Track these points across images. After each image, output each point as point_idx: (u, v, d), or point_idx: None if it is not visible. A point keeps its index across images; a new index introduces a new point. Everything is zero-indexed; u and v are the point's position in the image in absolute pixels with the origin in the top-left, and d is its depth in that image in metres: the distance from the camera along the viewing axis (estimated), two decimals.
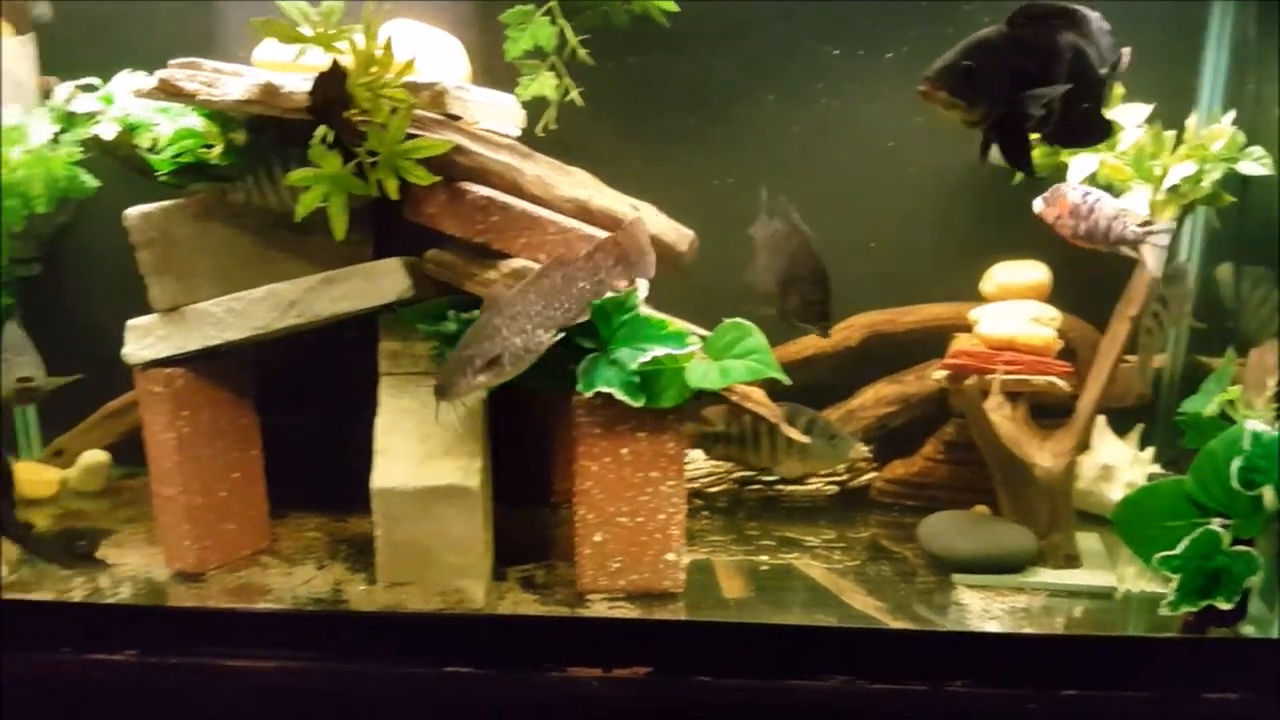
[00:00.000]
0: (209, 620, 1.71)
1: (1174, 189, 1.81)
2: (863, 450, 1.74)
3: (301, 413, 1.94)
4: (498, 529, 1.81)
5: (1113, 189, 1.86)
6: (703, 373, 1.65)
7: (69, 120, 1.87)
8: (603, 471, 1.69)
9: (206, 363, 1.78)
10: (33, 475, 2.14)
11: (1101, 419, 1.96)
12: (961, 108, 1.49)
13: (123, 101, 1.83)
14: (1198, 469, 1.58)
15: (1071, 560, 1.82)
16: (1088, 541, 1.88)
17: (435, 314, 1.72)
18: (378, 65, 1.55)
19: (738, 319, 1.70)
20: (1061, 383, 1.88)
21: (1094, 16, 1.50)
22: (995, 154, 1.73)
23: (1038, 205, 1.82)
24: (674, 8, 1.92)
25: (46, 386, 1.92)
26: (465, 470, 1.67)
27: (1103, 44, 1.52)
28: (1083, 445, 1.88)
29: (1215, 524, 1.56)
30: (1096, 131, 1.60)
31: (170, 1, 2.03)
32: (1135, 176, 1.83)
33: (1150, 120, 1.87)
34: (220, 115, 1.77)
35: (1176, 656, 1.61)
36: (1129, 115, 1.88)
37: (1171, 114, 1.88)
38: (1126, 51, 1.55)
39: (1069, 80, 1.49)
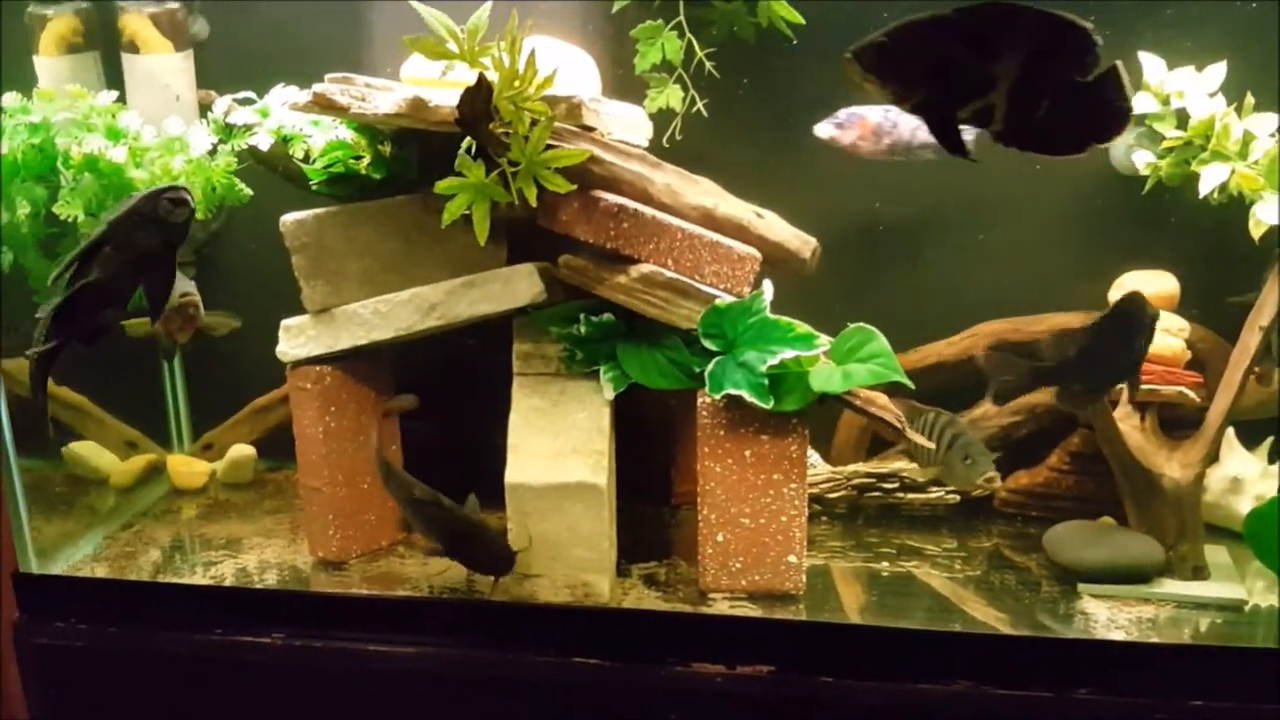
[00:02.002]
0: (351, 606, 1.80)
1: None
2: (993, 476, 1.73)
3: (436, 411, 2.01)
4: (621, 527, 1.86)
5: (1245, 199, 1.84)
6: (826, 376, 1.68)
7: (227, 132, 1.98)
8: (725, 473, 1.73)
9: (353, 362, 1.87)
10: (183, 467, 2.25)
11: (1230, 431, 1.93)
12: (875, 84, 1.47)
13: (278, 114, 1.93)
14: None
15: (1200, 572, 1.80)
16: (1216, 554, 1.86)
17: (567, 317, 1.78)
18: (520, 80, 1.61)
19: (862, 323, 1.72)
20: (1191, 393, 1.86)
21: (1079, 26, 1.42)
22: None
23: (826, 130, 1.88)
24: (799, 19, 1.95)
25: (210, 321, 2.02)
26: (593, 468, 1.73)
27: (1079, 53, 1.43)
28: (1212, 457, 1.86)
29: None
30: (1060, 140, 1.50)
31: (322, 18, 2.12)
32: (1267, 186, 1.81)
33: None
34: (369, 128, 1.86)
35: None
36: (1261, 124, 1.85)
37: None
38: (1118, 65, 1.46)
39: (1024, 81, 1.43)
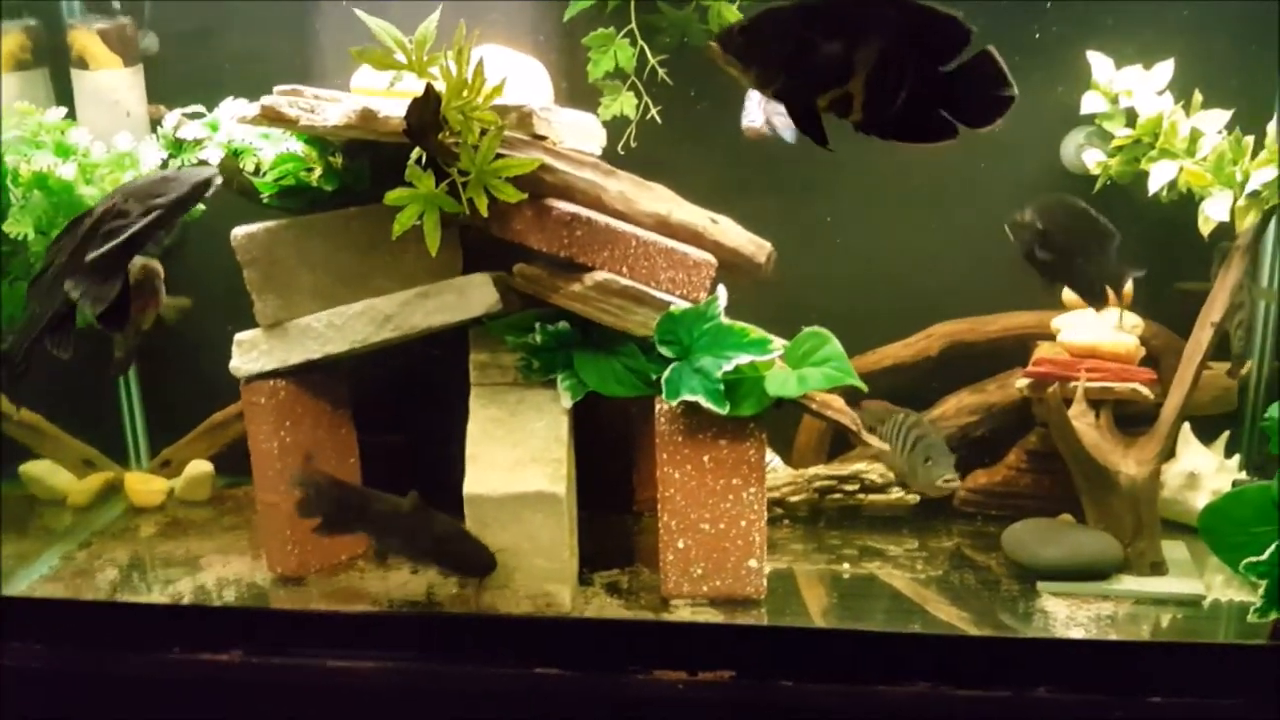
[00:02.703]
0: (310, 622, 1.78)
1: (1255, 194, 1.80)
2: (953, 479, 1.74)
3: (394, 423, 2.00)
4: (583, 535, 1.86)
5: (1194, 195, 1.86)
6: (781, 381, 1.68)
7: (177, 146, 1.96)
8: (684, 479, 1.73)
9: (307, 375, 1.85)
10: (141, 485, 2.23)
11: (1186, 426, 1.95)
12: (737, 68, 1.48)
13: (227, 128, 1.92)
14: None
15: (1157, 568, 1.81)
16: (1174, 549, 1.87)
17: (523, 326, 1.78)
18: (469, 90, 1.61)
19: (816, 327, 1.73)
20: (1145, 390, 1.87)
21: (942, 15, 1.43)
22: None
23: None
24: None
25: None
26: (552, 477, 1.72)
27: (945, 36, 1.44)
28: (1167, 453, 1.87)
29: None
30: (923, 129, 1.51)
31: (270, 31, 2.11)
32: (1216, 182, 1.83)
33: (1229, 126, 1.86)
34: (320, 140, 1.85)
35: (1265, 663, 1.59)
36: (1209, 121, 1.87)
37: (1251, 119, 1.87)
38: (992, 51, 1.47)
39: (881, 70, 1.45)
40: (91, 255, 1.68)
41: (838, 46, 1.45)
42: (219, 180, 1.77)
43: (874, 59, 1.45)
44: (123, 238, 1.69)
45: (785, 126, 1.92)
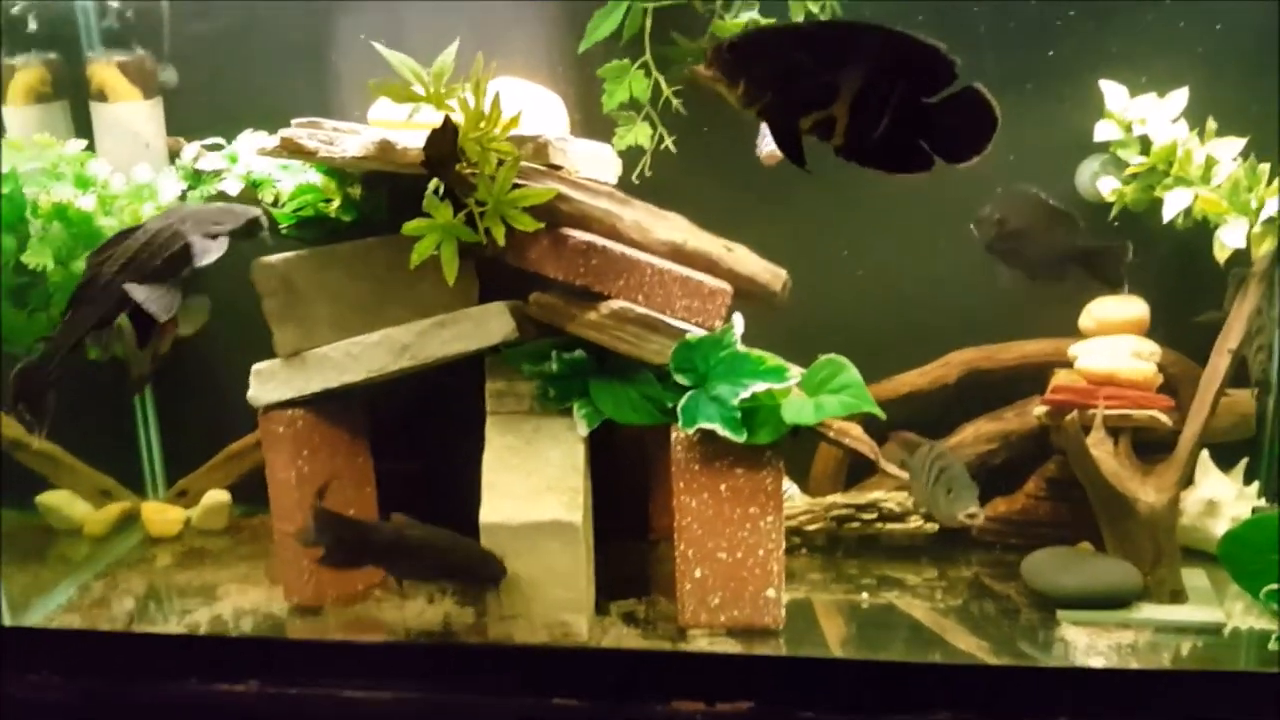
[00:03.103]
0: (326, 652, 1.78)
1: (1270, 221, 1.80)
2: (975, 513, 1.74)
3: (410, 452, 2.00)
4: (599, 564, 1.85)
5: (1209, 223, 1.86)
6: (798, 408, 1.68)
7: (196, 178, 1.98)
8: (701, 507, 1.73)
9: (326, 405, 1.86)
10: (158, 515, 2.23)
11: (1204, 453, 1.94)
12: (724, 85, 1.50)
13: (246, 159, 1.94)
14: None
15: (1177, 596, 1.80)
16: (1194, 577, 1.86)
17: (539, 354, 1.78)
18: (486, 121, 1.62)
19: (833, 355, 1.73)
20: (1163, 417, 1.87)
21: (927, 46, 1.44)
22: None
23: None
24: None
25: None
26: (569, 505, 1.72)
27: (928, 67, 1.45)
28: (1186, 480, 1.86)
29: None
30: (903, 159, 1.52)
31: (289, 64, 2.14)
32: (1231, 210, 1.83)
33: (1244, 153, 1.86)
34: (338, 171, 1.87)
35: None
36: (1223, 149, 1.87)
37: (1265, 146, 1.87)
38: (980, 88, 1.48)
39: (864, 96, 1.46)
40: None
41: (824, 69, 1.46)
42: (265, 223, 1.82)
43: (858, 85, 1.46)
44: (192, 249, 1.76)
45: None
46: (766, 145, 1.95)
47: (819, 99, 1.48)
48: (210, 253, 1.75)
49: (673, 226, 1.86)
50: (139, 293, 1.73)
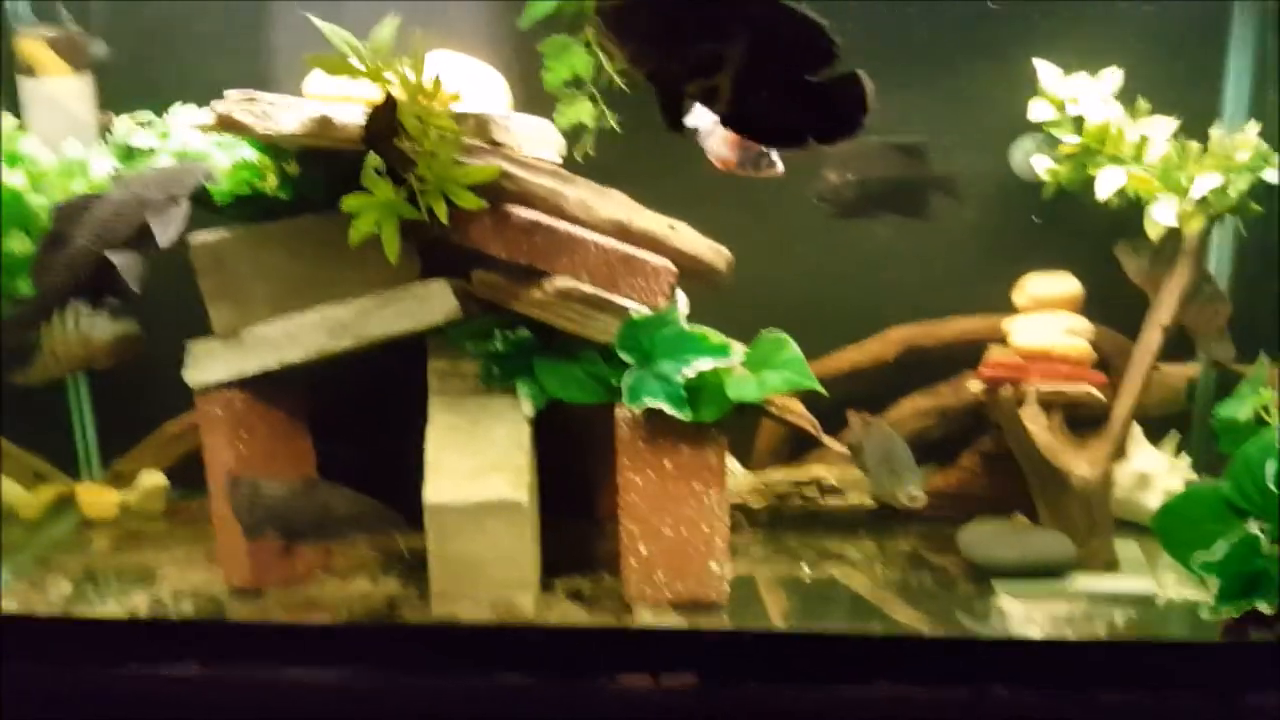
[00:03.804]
0: (268, 634, 1.77)
1: (1201, 200, 1.84)
2: (917, 496, 1.77)
3: (352, 433, 1.99)
4: (545, 542, 1.86)
5: (1141, 201, 1.90)
6: (742, 385, 1.70)
7: (128, 154, 1.94)
8: (646, 484, 1.74)
9: (264, 385, 1.83)
10: (93, 497, 2.20)
11: (1137, 427, 1.98)
12: (613, 44, 1.51)
13: (179, 135, 1.90)
14: (1234, 473, 1.60)
15: (1111, 566, 1.84)
16: (1126, 549, 1.91)
17: (483, 333, 1.78)
18: (426, 96, 1.61)
19: (775, 331, 1.74)
20: (1096, 392, 1.91)
21: (811, 23, 1.44)
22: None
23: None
24: None
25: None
26: (514, 484, 1.72)
27: (808, 45, 1.45)
28: (1119, 453, 1.91)
29: (1253, 527, 1.58)
30: (780, 133, 1.55)
31: (223, 38, 2.09)
32: (1162, 188, 1.87)
33: (1175, 133, 1.90)
34: (273, 147, 1.84)
35: (1219, 660, 1.63)
36: (1155, 128, 1.91)
37: (1195, 126, 1.91)
38: (861, 75, 1.49)
39: (747, 69, 1.47)
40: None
41: (711, 37, 1.46)
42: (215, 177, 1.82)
43: (743, 54, 1.46)
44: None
45: (754, 155, 1.84)
46: (713, 151, 1.88)
47: (704, 67, 1.48)
48: (174, 222, 1.75)
49: (616, 205, 1.86)
50: (119, 259, 1.73)
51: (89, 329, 1.91)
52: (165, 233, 1.74)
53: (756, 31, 1.45)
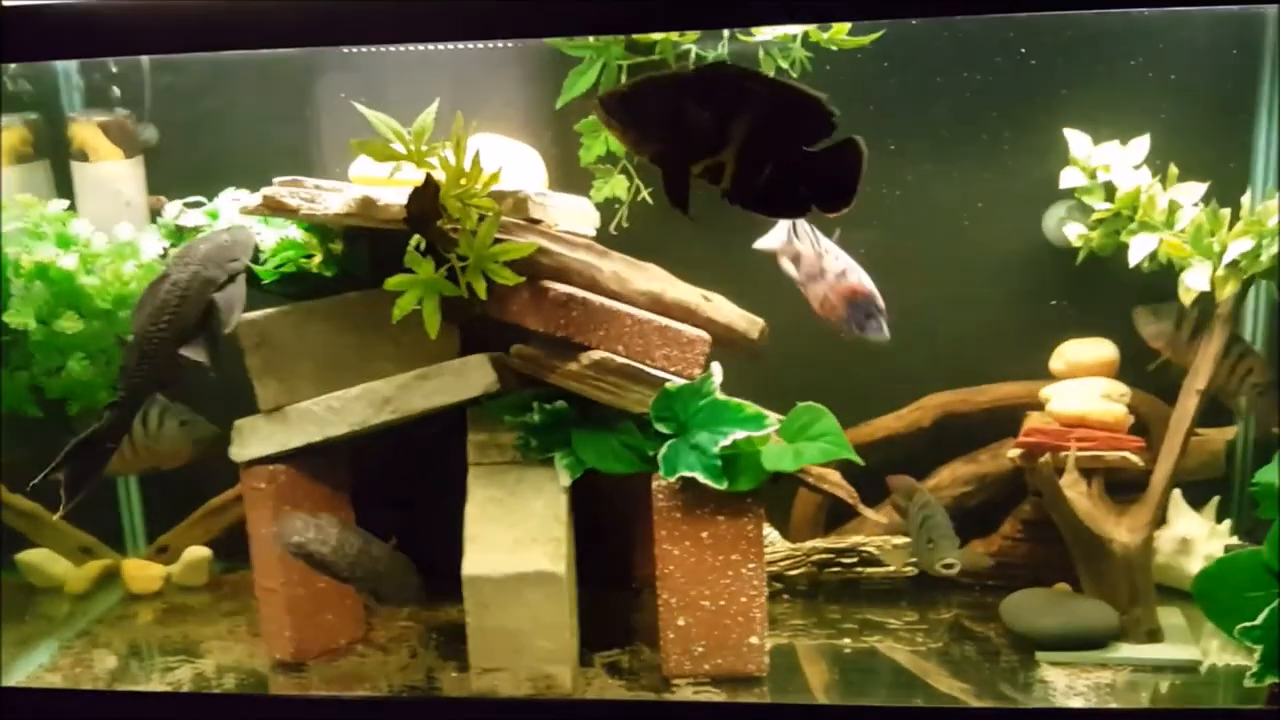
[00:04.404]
0: (311, 707, 1.78)
1: (1233, 264, 1.84)
2: (953, 564, 1.77)
3: (393, 505, 2.01)
4: (582, 614, 1.86)
5: (1174, 266, 1.90)
6: (777, 455, 1.71)
7: (178, 235, 2.00)
8: (683, 555, 1.74)
9: (307, 459, 1.86)
10: (138, 571, 2.23)
11: (1177, 492, 1.97)
12: (618, 130, 1.55)
13: (227, 216, 1.96)
14: (1274, 539, 1.59)
15: (1154, 635, 1.82)
16: (1169, 616, 1.88)
17: (521, 405, 1.80)
18: (466, 178, 1.65)
19: (811, 402, 1.75)
20: (1135, 458, 1.90)
21: (809, 96, 1.49)
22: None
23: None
24: None
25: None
26: (552, 556, 1.73)
27: (809, 116, 1.50)
28: (1159, 519, 1.89)
29: None
30: (784, 205, 1.58)
31: (270, 122, 2.16)
32: (1194, 253, 1.87)
33: (1206, 199, 1.91)
34: (319, 227, 1.89)
35: None
36: (1186, 194, 1.92)
37: (1226, 193, 1.92)
38: (859, 141, 1.53)
39: (750, 144, 1.51)
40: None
41: (714, 116, 1.51)
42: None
43: (746, 131, 1.50)
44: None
45: (861, 316, 1.82)
46: (769, 240, 1.92)
47: (709, 145, 1.52)
48: (239, 301, 1.79)
49: (651, 277, 1.89)
50: (189, 350, 1.77)
51: (173, 432, 1.96)
52: (232, 313, 1.78)
53: (757, 107, 1.50)
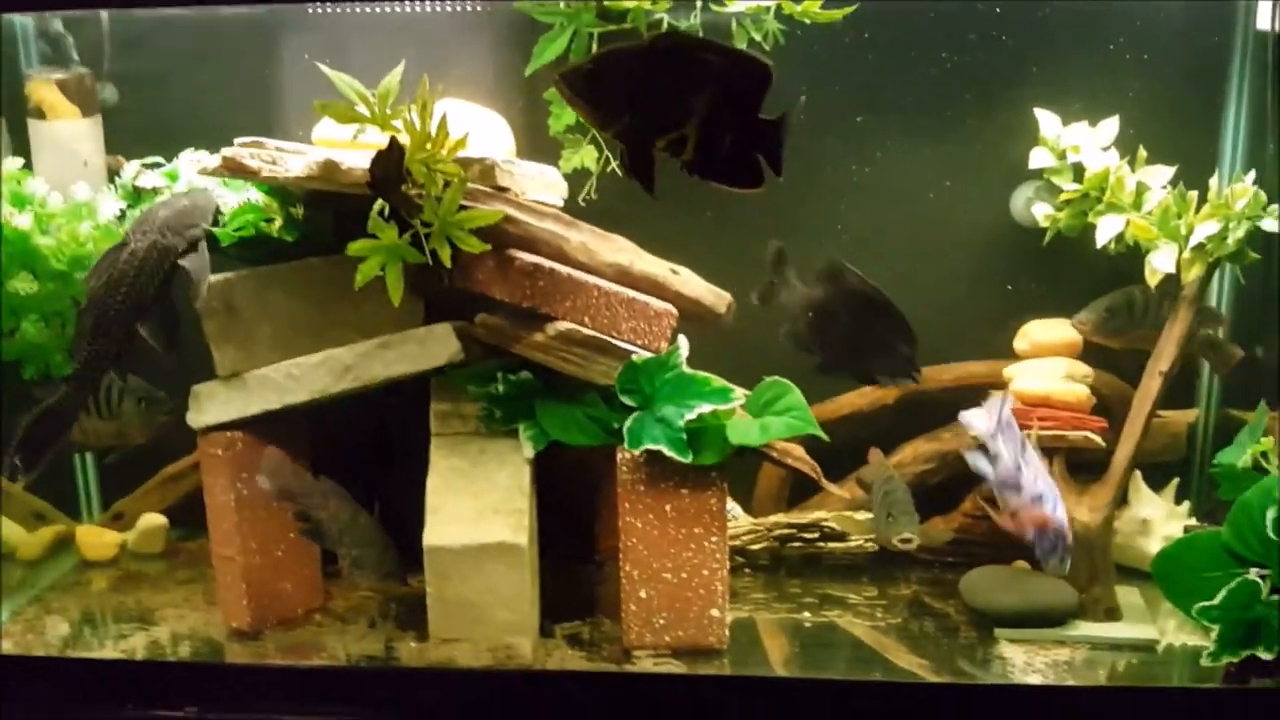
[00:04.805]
0: (266, 677, 1.76)
1: (1199, 247, 1.85)
2: (910, 539, 1.77)
3: (354, 475, 1.99)
4: (544, 585, 1.85)
5: (1141, 249, 1.91)
6: (743, 429, 1.70)
7: (136, 196, 1.96)
8: (647, 528, 1.74)
9: (266, 427, 1.83)
10: (93, 538, 2.19)
11: (1137, 473, 1.98)
12: (582, 109, 1.54)
13: (187, 178, 1.92)
14: (1233, 520, 1.60)
15: (1112, 613, 1.84)
16: (1128, 595, 1.90)
17: (485, 376, 1.78)
18: (432, 143, 1.62)
19: (777, 377, 1.75)
20: (1097, 438, 1.91)
21: (760, 64, 1.49)
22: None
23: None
24: None
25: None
26: (514, 528, 1.72)
27: (750, 83, 1.50)
28: (1120, 499, 1.91)
29: (1253, 574, 1.58)
30: (743, 175, 1.57)
31: (233, 84, 2.12)
32: (1161, 235, 1.88)
33: (1174, 181, 1.92)
34: (280, 190, 1.85)
35: (1219, 706, 1.62)
36: (1154, 176, 1.93)
37: (1193, 175, 1.93)
38: (787, 115, 1.54)
39: (711, 115, 1.50)
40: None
41: (675, 89, 1.50)
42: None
43: (707, 102, 1.50)
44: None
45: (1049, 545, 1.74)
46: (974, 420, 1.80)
47: (674, 119, 1.51)
48: (205, 268, 1.76)
49: (619, 249, 1.87)
50: (145, 328, 1.75)
51: (131, 411, 1.93)
52: (202, 284, 1.75)
53: (715, 77, 1.49)
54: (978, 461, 1.75)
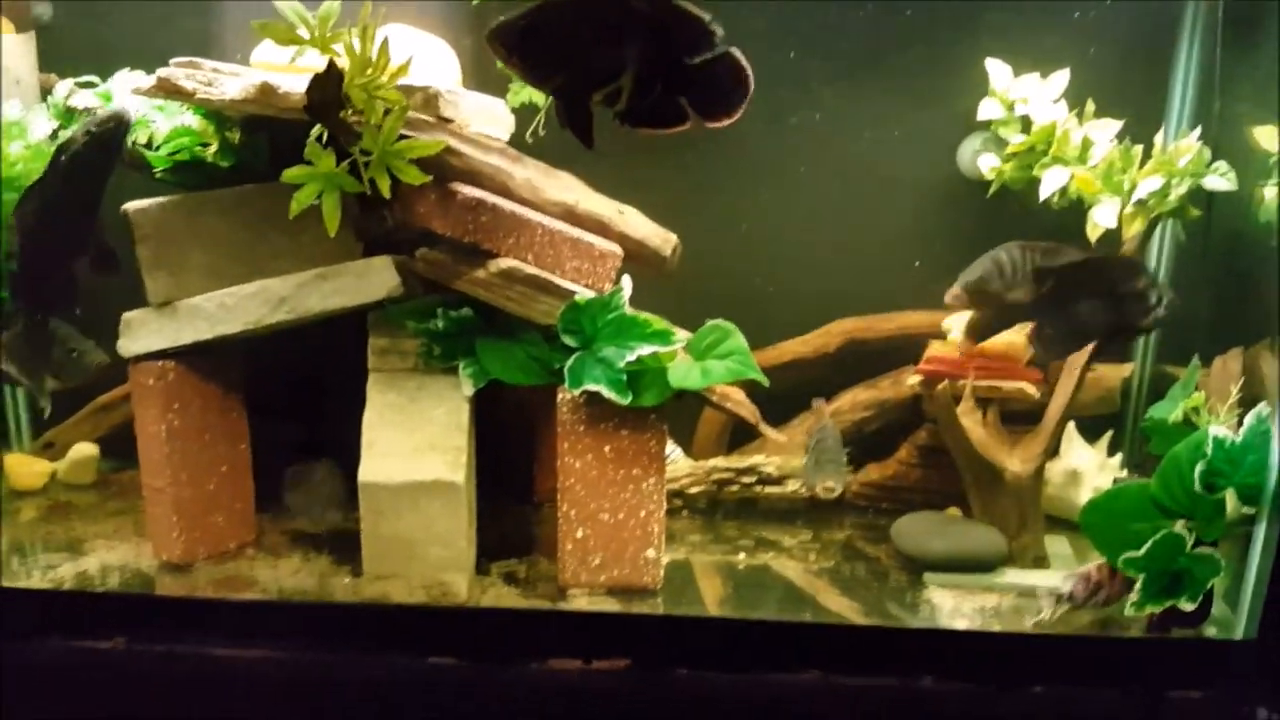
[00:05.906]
0: (195, 609, 1.74)
1: (1141, 202, 1.86)
2: (832, 488, 1.81)
3: (289, 408, 1.96)
4: (482, 525, 1.85)
5: (1084, 202, 1.92)
6: (684, 372, 1.69)
7: (68, 116, 1.90)
8: (585, 468, 1.73)
9: (198, 358, 1.80)
10: (22, 467, 2.15)
11: (1070, 425, 2.01)
12: (517, 66, 1.54)
13: (121, 98, 1.86)
14: (1162, 473, 1.63)
15: (1040, 561, 1.87)
16: (1056, 544, 1.93)
17: (424, 312, 1.76)
18: (373, 68, 1.58)
19: (720, 320, 1.74)
20: (1031, 389, 1.93)
21: (689, 10, 1.49)
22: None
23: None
24: None
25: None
26: (451, 465, 1.71)
27: (694, 33, 1.50)
28: (1051, 450, 1.93)
29: (1179, 526, 1.60)
30: (666, 117, 1.60)
31: (169, 2, 2.05)
32: (1104, 190, 1.89)
33: (1119, 136, 1.93)
34: (216, 114, 1.80)
35: (1141, 655, 1.66)
36: (1101, 130, 1.93)
37: (1140, 131, 1.93)
38: (735, 53, 1.54)
39: (643, 62, 1.51)
40: None
41: (609, 42, 1.49)
42: (129, 117, 1.74)
43: (640, 54, 1.49)
44: None
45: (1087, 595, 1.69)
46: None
47: (609, 72, 1.51)
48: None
49: (565, 186, 1.85)
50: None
51: (63, 361, 1.88)
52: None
53: (648, 28, 1.48)
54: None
